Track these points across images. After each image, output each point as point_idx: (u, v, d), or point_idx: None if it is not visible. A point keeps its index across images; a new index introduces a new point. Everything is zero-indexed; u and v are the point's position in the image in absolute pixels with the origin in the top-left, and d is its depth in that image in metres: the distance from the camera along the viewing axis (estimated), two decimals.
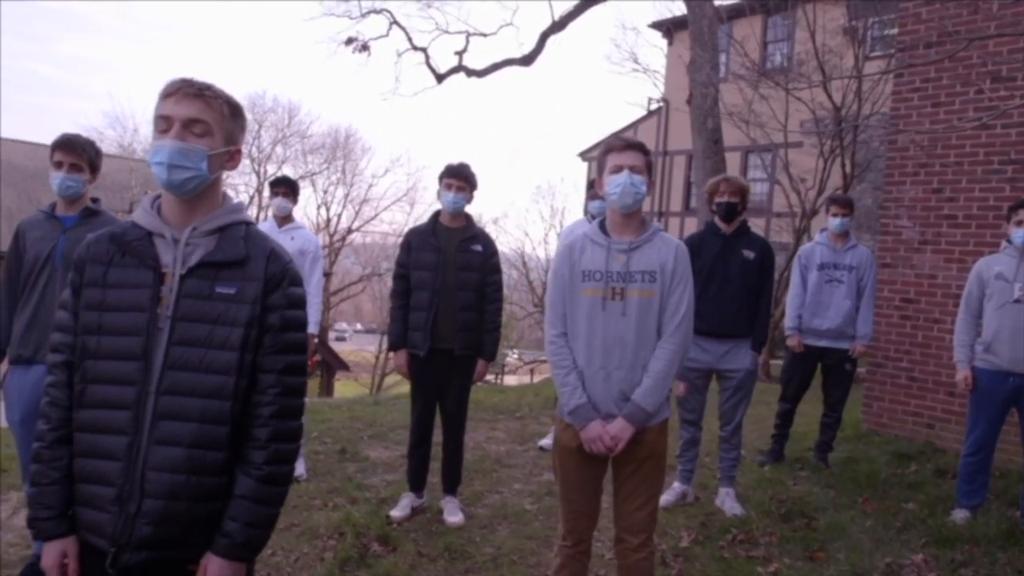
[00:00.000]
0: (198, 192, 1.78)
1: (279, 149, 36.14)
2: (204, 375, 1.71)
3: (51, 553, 1.77)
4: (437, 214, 4.31)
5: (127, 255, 1.76)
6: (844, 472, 5.43)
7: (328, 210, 35.46)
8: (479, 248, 4.24)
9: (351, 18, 16.94)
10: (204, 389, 1.71)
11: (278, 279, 1.79)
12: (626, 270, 2.75)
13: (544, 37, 16.01)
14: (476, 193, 4.25)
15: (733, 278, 4.50)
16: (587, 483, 2.87)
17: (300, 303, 1.83)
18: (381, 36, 17.09)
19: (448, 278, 4.16)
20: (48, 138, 3.54)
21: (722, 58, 14.50)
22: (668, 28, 21.28)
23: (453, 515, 4.30)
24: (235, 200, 1.89)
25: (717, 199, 4.60)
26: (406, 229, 35.36)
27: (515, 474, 5.31)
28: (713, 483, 5.01)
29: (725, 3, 14.68)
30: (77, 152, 3.33)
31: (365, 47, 16.70)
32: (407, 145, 71.18)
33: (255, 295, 1.75)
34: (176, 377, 1.71)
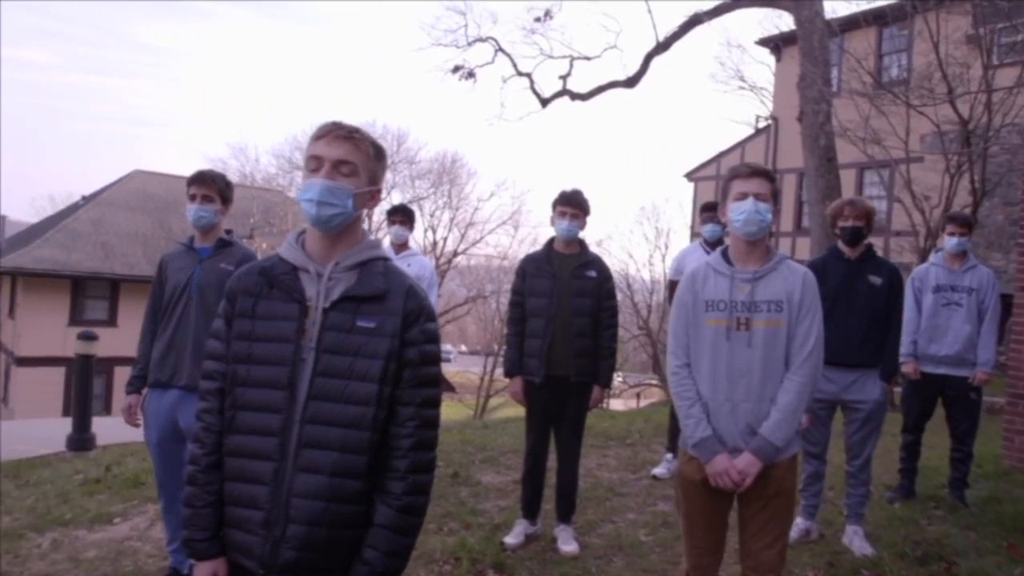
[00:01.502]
0: (342, 229, 1.85)
1: (388, 175, 37.20)
2: (345, 405, 1.77)
3: (203, 573, 1.85)
4: (551, 241, 4.33)
5: (275, 288, 1.84)
6: (985, 513, 5.05)
7: (434, 233, 36.25)
8: (593, 274, 4.22)
9: (458, 47, 17.33)
10: (345, 419, 1.76)
11: (416, 314, 1.83)
12: (751, 300, 2.67)
13: (648, 58, 15.91)
14: (589, 219, 4.24)
15: (859, 305, 4.29)
16: (712, 518, 2.79)
17: (436, 338, 1.87)
18: (487, 63, 17.41)
19: (563, 304, 4.16)
20: (178, 169, 3.80)
21: (833, 73, 14.02)
22: (776, 44, 20.76)
23: (568, 544, 4.26)
24: (372, 237, 1.96)
25: (841, 223, 4.40)
26: (510, 251, 35.53)
27: (628, 503, 5.21)
28: (839, 520, 4.76)
29: (836, 16, 14.22)
30: (208, 184, 3.56)
31: (471, 74, 17.10)
32: (511, 169, 72.16)
33: (394, 329, 1.80)
34: (319, 407, 1.76)
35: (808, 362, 2.65)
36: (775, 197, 2.74)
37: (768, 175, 2.76)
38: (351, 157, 1.85)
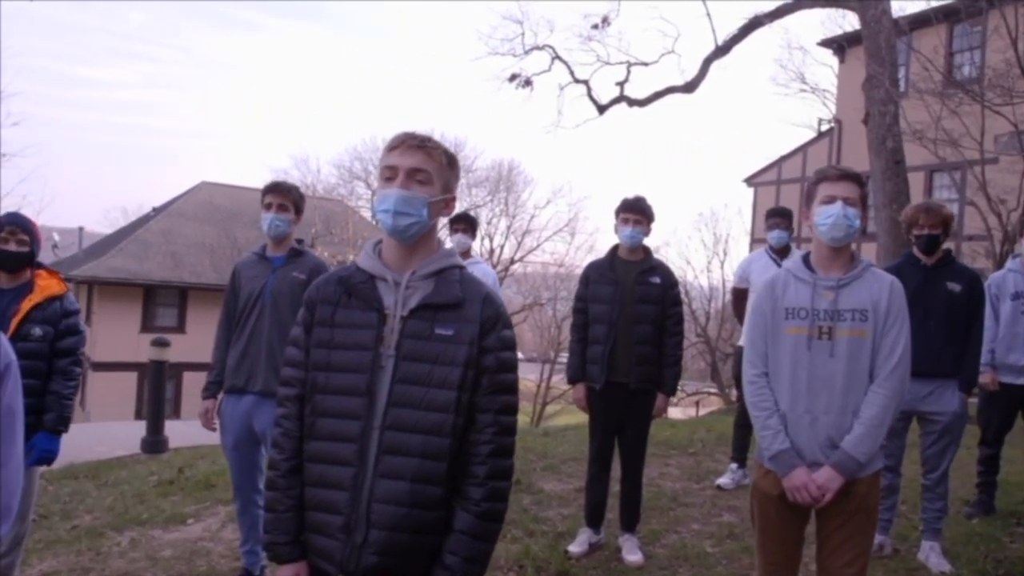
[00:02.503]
0: (418, 237, 1.88)
1: None
2: (425, 412, 1.79)
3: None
4: (615, 247, 4.31)
5: (353, 297, 1.88)
6: None
7: (491, 241, 36.43)
8: (658, 280, 4.19)
9: (515, 56, 17.35)
10: (425, 426, 1.78)
11: (493, 321, 1.85)
12: (834, 308, 2.60)
13: (707, 63, 15.70)
14: (653, 226, 4.22)
15: (936, 313, 4.15)
16: (788, 533, 2.72)
17: (513, 345, 1.88)
18: (544, 71, 17.42)
19: (625, 311, 4.13)
20: (242, 180, 3.91)
21: (901, 72, 13.62)
22: (839, 45, 20.29)
23: (632, 554, 4.22)
24: (447, 246, 1.98)
25: (916, 232, 4.26)
26: (566, 259, 35.41)
27: (693, 513, 5.14)
28: (913, 535, 4.61)
29: (904, 14, 13.82)
30: (284, 194, 3.66)
31: (528, 82, 17.12)
32: (568, 176, 72.01)
33: (472, 337, 1.82)
34: (399, 414, 1.79)
35: (895, 374, 2.56)
36: (864, 202, 2.66)
37: (858, 179, 2.68)
38: (425, 166, 1.87)
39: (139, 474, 6.99)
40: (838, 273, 2.65)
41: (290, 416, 1.90)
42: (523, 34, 17.44)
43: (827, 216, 2.61)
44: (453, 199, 1.96)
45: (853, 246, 2.75)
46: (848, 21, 19.42)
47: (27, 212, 3.86)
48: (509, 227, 37.47)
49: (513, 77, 16.97)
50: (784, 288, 2.70)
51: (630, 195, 4.27)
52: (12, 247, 3.46)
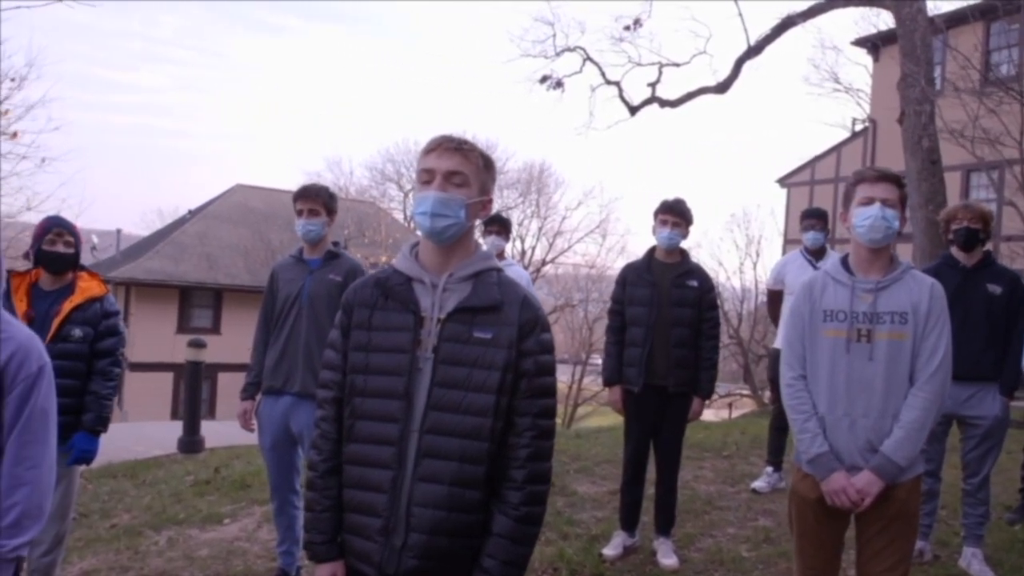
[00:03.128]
0: (455, 239, 1.88)
1: None
2: (464, 416, 1.79)
3: (322, 575, 1.91)
4: (652, 249, 4.29)
5: (390, 299, 1.88)
6: None
7: (523, 243, 36.44)
8: (695, 283, 4.16)
9: (546, 57, 17.31)
10: (463, 430, 1.79)
11: (531, 325, 1.84)
12: (873, 310, 2.56)
13: (739, 63, 15.54)
14: (691, 228, 4.19)
15: (975, 315, 4.06)
16: (826, 538, 2.69)
17: (551, 348, 1.88)
18: (575, 73, 17.36)
19: (663, 313, 4.11)
20: (276, 183, 3.95)
21: (936, 71, 13.36)
22: (873, 44, 19.99)
23: (667, 558, 4.19)
24: (484, 248, 1.98)
25: (955, 225, 4.18)
26: (598, 260, 35.24)
27: (728, 517, 5.09)
28: (954, 541, 4.52)
29: (939, 12, 13.57)
30: (313, 199, 3.69)
31: (559, 84, 17.07)
32: (599, 177, 71.71)
33: (510, 340, 1.81)
34: (438, 417, 1.79)
35: (935, 377, 2.52)
36: (903, 203, 2.62)
37: (897, 180, 2.64)
38: (462, 168, 1.88)
39: (176, 474, 7.09)
40: (877, 275, 2.61)
41: (328, 418, 1.92)
42: (554, 36, 17.41)
43: (865, 218, 2.58)
44: (490, 201, 1.96)
45: (892, 248, 2.70)
46: (882, 20, 19.14)
47: (67, 215, 3.94)
48: (540, 229, 37.46)
49: (544, 79, 16.94)
50: (822, 290, 2.67)
51: (669, 197, 4.26)
52: (60, 248, 3.54)
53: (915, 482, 2.59)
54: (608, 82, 17.01)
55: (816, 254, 5.39)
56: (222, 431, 10.01)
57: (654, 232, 4.24)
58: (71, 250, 3.60)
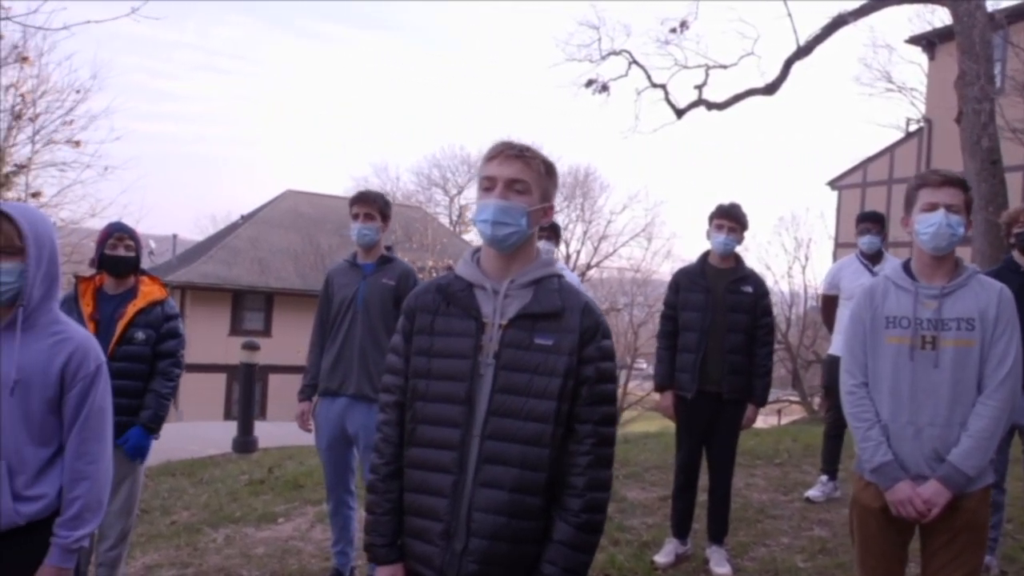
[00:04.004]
0: (517, 247, 1.89)
1: None
2: (525, 422, 1.80)
3: None
4: (706, 254, 4.25)
5: (451, 305, 1.90)
6: None
7: (567, 247, 36.41)
8: (750, 289, 4.12)
9: (591, 61, 17.26)
10: (524, 436, 1.79)
11: (593, 332, 1.84)
12: (938, 317, 2.50)
13: (788, 64, 15.27)
14: (747, 233, 4.15)
15: None
16: (889, 550, 2.62)
17: (612, 355, 1.87)
18: (620, 76, 17.28)
19: (717, 319, 4.07)
20: (325, 189, 4.01)
21: (996, 68, 12.96)
22: (929, 41, 19.47)
23: (721, 566, 4.14)
24: (545, 255, 1.99)
25: (1017, 229, 4.06)
26: (643, 264, 34.94)
27: (782, 526, 5.01)
28: (1021, 556, 4.38)
29: (999, 8, 13.18)
30: (369, 203, 3.75)
31: (605, 88, 16.99)
32: (645, 181, 71.14)
33: (572, 347, 1.82)
34: (499, 423, 1.80)
35: (1005, 384, 2.45)
36: (968, 207, 2.55)
37: (962, 184, 2.56)
38: (523, 176, 1.88)
39: (231, 473, 7.25)
40: (941, 281, 2.55)
41: (390, 422, 1.94)
42: (599, 39, 17.35)
43: (929, 225, 2.51)
44: (552, 208, 1.97)
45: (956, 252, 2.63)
46: (938, 16, 18.65)
47: (128, 221, 4.07)
48: (585, 233, 37.41)
49: (590, 83, 16.87)
50: (884, 296, 2.62)
51: (725, 201, 4.21)
52: (121, 252, 3.65)
53: (984, 493, 2.52)
54: (654, 85, 16.88)
55: (872, 258, 5.28)
56: (274, 431, 10.21)
57: (709, 237, 4.20)
58: (132, 254, 3.71)
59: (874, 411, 2.57)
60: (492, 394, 1.81)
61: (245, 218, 28.39)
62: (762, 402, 4.19)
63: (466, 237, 36.25)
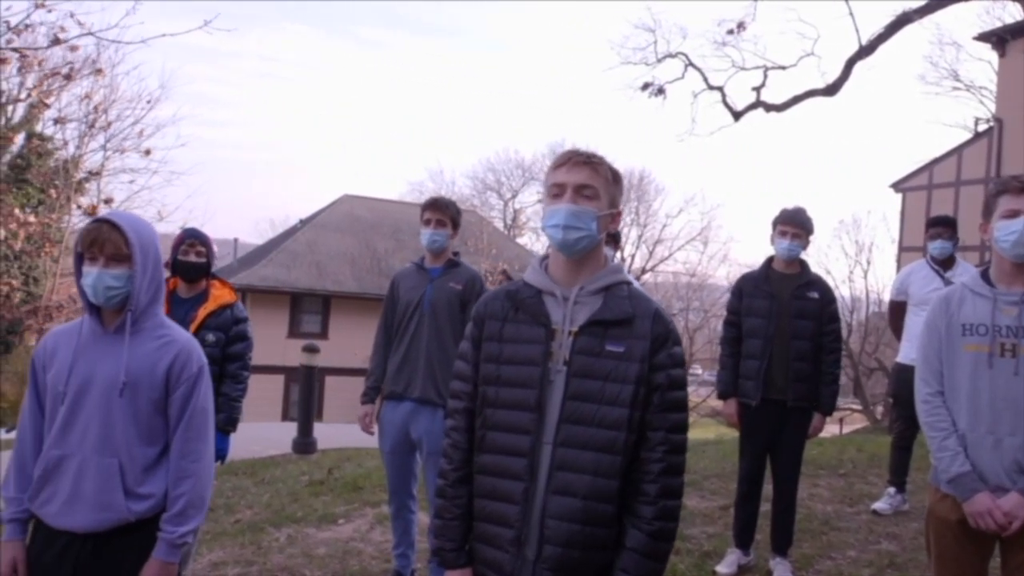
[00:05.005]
0: (586, 252, 1.89)
1: None
2: (597, 429, 1.79)
3: None
4: (770, 260, 4.18)
5: (520, 311, 1.90)
6: None
7: (622, 251, 36.22)
8: (815, 295, 4.03)
9: (647, 64, 17.16)
10: (597, 443, 1.79)
11: (664, 338, 1.83)
12: (1018, 324, 2.42)
13: (850, 64, 14.94)
14: (812, 238, 4.06)
15: None
16: (967, 564, 2.54)
17: (682, 362, 1.86)
18: (677, 79, 17.13)
19: (782, 326, 4.00)
20: (380, 193, 4.05)
21: None
22: (999, 38, 18.77)
23: None
24: (615, 262, 1.98)
25: None
26: (698, 268, 34.52)
27: (847, 539, 4.88)
28: None
29: None
30: (442, 210, 3.78)
31: (661, 91, 16.87)
32: (701, 184, 70.12)
33: (643, 354, 1.81)
34: (571, 431, 1.80)
35: None
36: None
37: None
38: (592, 181, 1.88)
39: (291, 473, 7.38)
40: (1022, 288, 2.47)
41: (459, 428, 1.95)
42: (655, 42, 17.23)
43: (1009, 232, 2.44)
44: (619, 213, 1.96)
45: None
46: (1009, 12, 18.05)
47: (192, 225, 4.19)
48: (640, 237, 37.17)
49: (646, 86, 16.77)
50: (960, 303, 2.55)
51: (789, 206, 4.14)
52: (192, 258, 3.78)
53: None
54: (711, 87, 16.69)
55: (944, 264, 5.12)
56: (331, 433, 10.38)
57: (773, 243, 4.13)
58: (202, 259, 3.83)
59: (951, 420, 2.50)
60: (564, 401, 1.81)
61: (303, 222, 28.93)
62: (829, 411, 4.10)
63: (520, 241, 36.37)
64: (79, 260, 2.17)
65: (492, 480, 1.87)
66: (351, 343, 22.91)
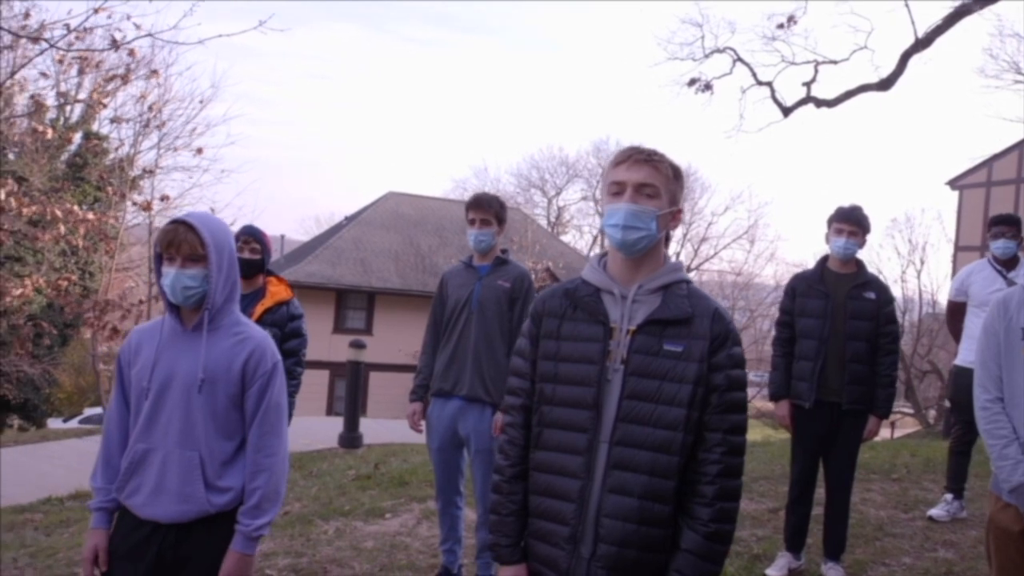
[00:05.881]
0: (646, 251, 1.87)
1: None
2: (654, 429, 1.78)
3: None
4: (825, 259, 4.10)
5: (579, 309, 1.89)
6: None
7: (667, 249, 35.98)
8: (872, 296, 3.94)
9: (694, 60, 16.96)
10: (654, 443, 1.77)
11: (723, 339, 1.81)
12: None
13: (905, 57, 14.56)
14: (869, 237, 3.97)
15: None
16: None
17: (742, 363, 1.83)
18: (724, 74, 16.89)
19: (837, 326, 3.92)
20: (425, 190, 4.05)
21: None
22: None
23: None
24: (673, 260, 1.96)
25: None
26: (744, 267, 34.08)
27: (902, 545, 4.76)
28: None
29: None
30: (485, 209, 3.77)
31: (708, 86, 16.66)
32: (748, 181, 69.02)
33: (702, 354, 1.79)
34: (628, 430, 1.79)
35: None
36: None
37: None
38: (652, 180, 1.86)
39: (338, 467, 7.48)
40: None
41: (516, 424, 1.95)
42: (703, 37, 17.02)
43: None
44: (680, 212, 1.94)
45: None
46: None
47: (241, 222, 4.26)
48: (685, 235, 36.80)
49: (693, 81, 16.58)
50: (1019, 307, 2.47)
51: (845, 204, 4.05)
52: (246, 255, 3.84)
53: None
54: (760, 83, 16.43)
55: (1007, 264, 4.96)
56: (375, 428, 10.51)
57: (827, 241, 4.05)
58: (257, 256, 3.89)
59: (1011, 427, 2.43)
60: (620, 400, 1.80)
61: (349, 219, 29.26)
62: (885, 413, 4.01)
63: (564, 238, 36.26)
64: (159, 260, 2.23)
65: (548, 477, 1.86)
66: (395, 340, 23.12)
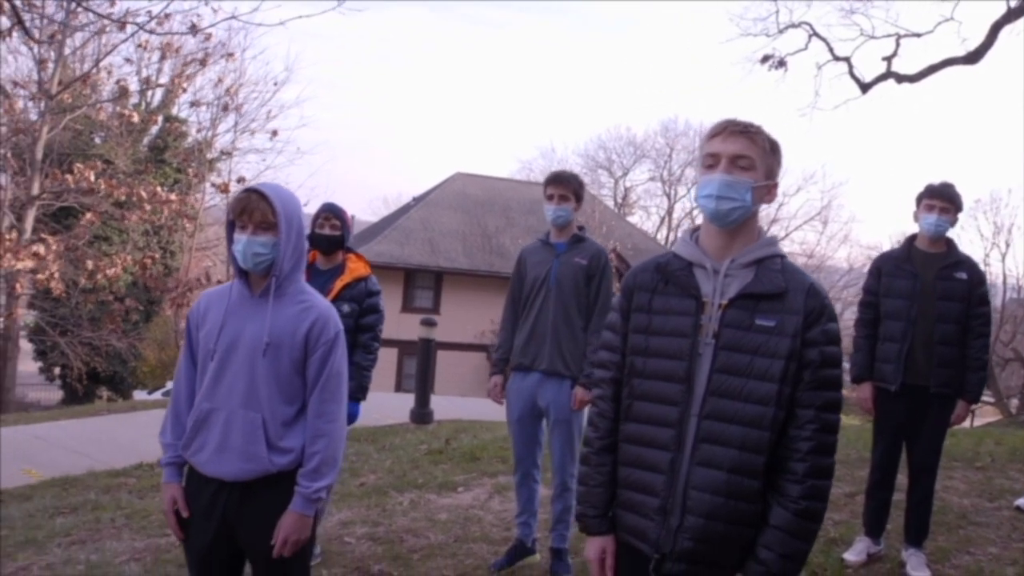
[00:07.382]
0: (739, 223, 1.86)
1: (689, 172, 37.02)
2: (744, 404, 1.77)
3: (595, 547, 1.98)
4: (912, 237, 3.97)
5: (670, 283, 1.90)
6: None
7: None
8: (964, 276, 3.80)
9: (768, 36, 16.51)
10: (744, 417, 1.77)
11: (818, 314, 1.79)
12: None
13: (996, 28, 13.89)
14: (961, 215, 3.83)
15: None
16: None
17: (837, 339, 1.81)
18: (799, 50, 16.42)
19: (926, 307, 3.80)
20: (492, 171, 4.05)
21: None
22: None
23: (919, 570, 3.89)
24: (768, 234, 1.94)
25: None
26: (816, 249, 33.14)
27: (987, 535, 4.62)
28: None
29: None
30: (564, 185, 3.78)
31: (782, 63, 16.20)
32: (822, 161, 66.60)
33: (795, 329, 1.77)
34: (718, 404, 1.79)
35: None
36: None
37: None
38: (748, 152, 1.84)
39: (410, 442, 7.65)
40: None
41: (606, 397, 1.97)
42: (777, 12, 16.57)
43: None
44: (775, 185, 1.91)
45: None
46: None
47: (316, 203, 4.35)
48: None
49: (766, 58, 16.16)
50: None
51: (935, 181, 3.91)
52: (326, 231, 3.97)
53: None
54: (837, 58, 15.91)
55: None
56: (444, 404, 10.68)
57: (916, 219, 3.91)
58: (336, 233, 4.01)
59: None
60: (711, 374, 1.80)
61: (417, 200, 29.58)
62: (975, 398, 3.88)
63: (631, 219, 35.92)
64: (231, 227, 2.30)
65: (638, 449, 1.88)
66: (463, 319, 23.34)
